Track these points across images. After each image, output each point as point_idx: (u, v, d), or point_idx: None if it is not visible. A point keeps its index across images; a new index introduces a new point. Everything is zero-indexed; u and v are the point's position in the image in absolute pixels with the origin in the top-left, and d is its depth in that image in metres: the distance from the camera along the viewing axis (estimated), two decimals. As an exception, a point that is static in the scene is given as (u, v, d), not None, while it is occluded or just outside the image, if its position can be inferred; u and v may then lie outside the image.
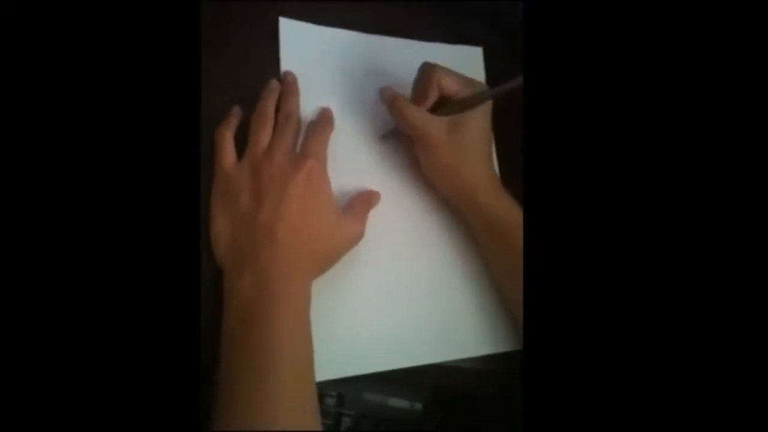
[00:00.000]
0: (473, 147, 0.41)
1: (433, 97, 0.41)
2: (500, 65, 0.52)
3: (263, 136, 0.40)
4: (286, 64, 0.45)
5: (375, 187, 0.44)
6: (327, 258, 0.38)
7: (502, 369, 0.42)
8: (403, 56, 0.49)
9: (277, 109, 0.42)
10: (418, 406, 0.43)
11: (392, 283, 0.42)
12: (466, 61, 0.52)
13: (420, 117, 0.41)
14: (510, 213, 0.40)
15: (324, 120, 0.43)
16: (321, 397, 0.40)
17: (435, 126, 0.40)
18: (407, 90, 0.46)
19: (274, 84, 0.43)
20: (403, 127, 0.42)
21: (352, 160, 0.45)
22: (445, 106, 0.41)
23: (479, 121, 0.41)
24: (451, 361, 0.41)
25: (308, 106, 0.44)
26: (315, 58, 0.47)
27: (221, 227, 0.37)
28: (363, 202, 0.42)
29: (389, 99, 0.42)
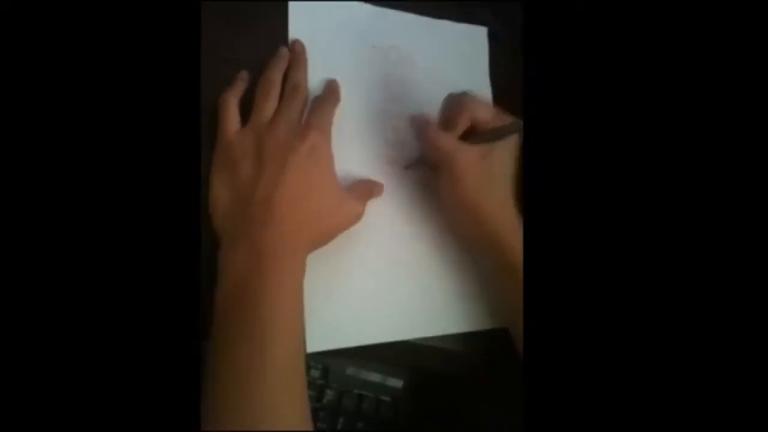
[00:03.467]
0: (501, 179, 0.39)
1: (463, 125, 0.40)
2: (503, 48, 0.52)
3: (268, 105, 0.39)
4: (294, 33, 0.44)
5: (375, 166, 0.44)
6: (324, 235, 0.38)
7: (481, 349, 0.43)
8: (411, 31, 0.50)
9: (284, 79, 0.41)
10: (399, 383, 0.43)
11: (381, 260, 0.42)
12: (470, 40, 0.52)
13: (450, 143, 0.39)
14: None
15: (330, 93, 0.43)
16: (306, 368, 0.40)
17: (465, 154, 0.39)
18: (411, 70, 0.46)
19: (284, 52, 0.42)
20: (432, 154, 0.41)
21: (356, 138, 0.44)
22: (474, 135, 0.40)
23: (509, 152, 0.39)
24: (433, 342, 0.42)
25: (314, 77, 0.44)
26: (322, 28, 0.46)
27: (219, 195, 0.37)
28: (366, 186, 0.42)
29: (419, 125, 0.41)
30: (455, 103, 0.41)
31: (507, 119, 0.40)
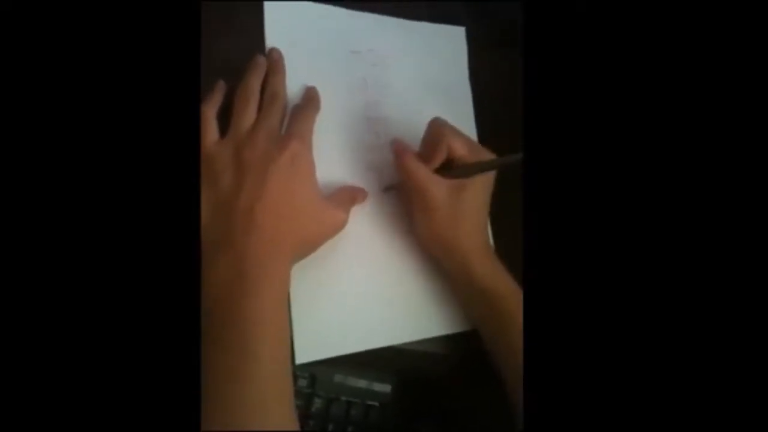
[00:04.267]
0: (471, 213, 0.41)
1: (440, 158, 0.40)
2: (482, 47, 0.53)
3: (247, 115, 0.39)
4: (271, 41, 0.44)
5: (357, 172, 0.44)
6: (307, 244, 0.38)
7: (461, 349, 0.44)
8: (389, 34, 0.49)
9: (262, 88, 0.41)
10: (387, 388, 0.44)
11: (364, 268, 0.43)
12: (448, 40, 0.52)
13: (424, 175, 0.40)
14: (502, 281, 0.40)
15: (310, 100, 0.43)
16: (294, 378, 0.40)
17: (437, 187, 0.40)
18: (390, 73, 0.46)
19: (260, 60, 0.42)
20: (406, 182, 0.41)
21: (337, 144, 0.44)
22: (450, 169, 0.40)
23: (481, 188, 0.41)
24: (418, 346, 0.43)
25: (291, 83, 0.43)
26: (300, 34, 0.45)
27: (201, 207, 0.36)
28: (349, 193, 0.42)
29: (398, 152, 0.41)
30: (434, 134, 0.41)
31: (484, 154, 0.40)
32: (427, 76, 0.50)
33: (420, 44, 0.50)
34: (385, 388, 0.44)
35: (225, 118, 0.39)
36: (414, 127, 0.47)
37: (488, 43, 0.53)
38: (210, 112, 0.39)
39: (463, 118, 0.50)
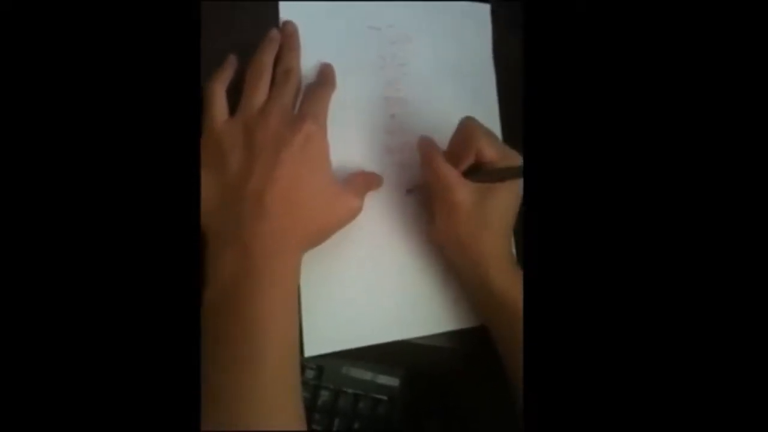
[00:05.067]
0: (496, 219, 0.38)
1: (468, 160, 0.38)
2: (507, 27, 0.50)
3: (259, 92, 0.37)
4: (285, 14, 0.41)
5: (374, 156, 0.42)
6: (319, 232, 0.36)
7: (471, 345, 0.43)
8: (410, 10, 0.47)
9: (276, 63, 0.38)
10: (396, 382, 0.42)
11: (377, 260, 0.41)
12: (472, 19, 0.49)
13: (452, 178, 0.38)
14: (521, 293, 0.37)
15: (325, 78, 0.40)
16: (301, 369, 0.39)
17: (464, 191, 0.37)
18: (410, 51, 0.44)
19: (275, 34, 0.39)
20: (433, 183, 0.39)
21: (353, 126, 0.42)
22: (478, 172, 0.38)
23: (509, 194, 0.38)
24: (427, 341, 0.42)
25: (307, 61, 0.41)
26: (315, 7, 0.43)
27: (206, 191, 0.34)
28: (364, 179, 0.40)
29: (425, 151, 0.39)
30: (464, 134, 0.39)
31: (514, 159, 0.38)
32: (449, 55, 0.47)
33: (441, 22, 0.48)
34: (393, 381, 0.42)
35: (236, 95, 0.37)
36: (434, 109, 0.45)
37: (514, 23, 0.50)
38: (219, 89, 0.37)
39: (485, 102, 0.47)
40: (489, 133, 0.38)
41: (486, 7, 0.50)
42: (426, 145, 0.39)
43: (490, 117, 0.47)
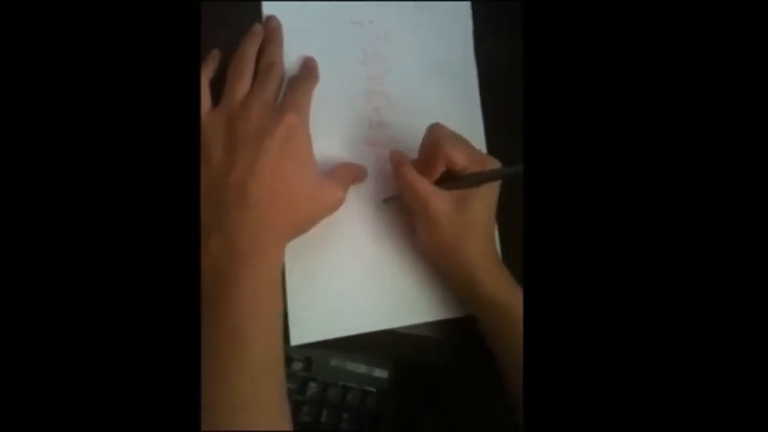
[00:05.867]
0: (477, 226, 0.38)
1: (438, 170, 0.39)
2: (488, 25, 0.50)
3: (241, 85, 0.37)
4: (268, 8, 0.42)
5: (356, 147, 0.42)
6: (302, 222, 0.36)
7: (465, 339, 0.42)
8: (392, 6, 0.47)
9: (259, 57, 0.39)
10: (385, 374, 0.42)
11: (363, 249, 0.41)
12: (453, 16, 0.50)
13: (424, 189, 0.38)
14: (509, 292, 0.38)
15: (307, 71, 0.41)
16: (289, 360, 0.39)
17: (439, 200, 0.37)
18: (392, 46, 0.44)
19: (257, 28, 0.40)
20: (407, 195, 0.39)
21: (336, 119, 0.42)
22: (451, 180, 0.38)
23: (485, 199, 0.38)
24: (416, 331, 0.42)
25: (290, 55, 0.41)
26: (298, 2, 0.43)
27: None
28: (348, 170, 0.40)
29: (395, 163, 0.39)
30: (431, 142, 0.38)
31: (485, 163, 0.38)
32: (430, 52, 0.48)
33: (424, 18, 0.48)
34: (382, 373, 0.42)
35: (219, 88, 0.38)
36: (416, 104, 0.46)
37: (495, 21, 0.51)
38: (203, 81, 0.37)
39: (466, 99, 0.48)
40: (457, 138, 0.38)
41: (467, 5, 0.51)
42: (396, 158, 0.39)
43: (471, 114, 0.48)
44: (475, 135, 0.47)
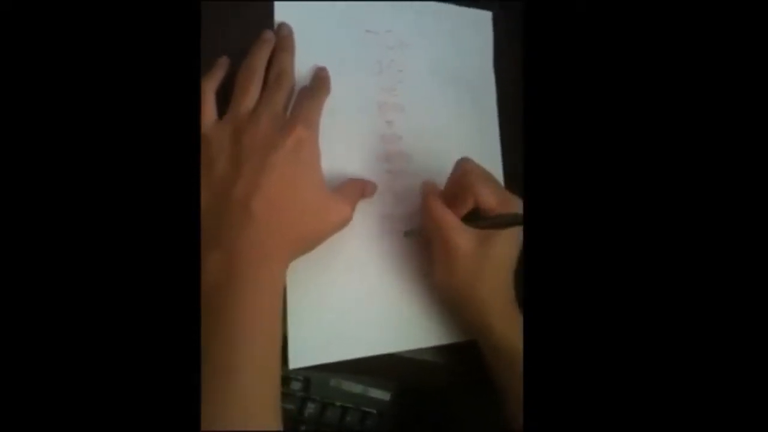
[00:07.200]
0: (497, 268, 0.37)
1: (467, 207, 0.37)
2: (508, 32, 0.49)
3: (249, 95, 0.36)
4: (280, 15, 0.41)
5: (367, 163, 0.41)
6: (307, 240, 0.35)
7: (466, 363, 0.41)
8: (409, 15, 0.46)
9: (269, 66, 0.38)
10: (386, 396, 0.41)
11: (365, 272, 0.40)
12: (473, 26, 0.48)
13: (450, 224, 0.37)
14: (519, 342, 0.36)
15: (320, 82, 0.39)
16: (287, 380, 0.38)
17: (462, 237, 0.36)
18: (409, 57, 0.43)
19: (268, 35, 0.38)
20: (430, 228, 0.38)
21: (347, 132, 0.41)
22: (478, 219, 0.37)
23: (509, 241, 0.37)
24: (418, 355, 0.40)
25: (301, 64, 0.40)
26: (311, 9, 0.42)
27: None
28: (356, 186, 0.38)
29: (426, 193, 0.38)
30: (462, 180, 0.37)
31: (514, 205, 0.37)
32: (448, 63, 0.46)
33: (442, 28, 0.47)
34: (383, 395, 0.41)
35: (226, 97, 0.36)
36: (431, 117, 0.44)
37: (516, 31, 0.49)
38: (209, 90, 0.36)
39: (484, 113, 0.46)
40: (488, 177, 0.38)
41: (488, 15, 0.49)
42: (428, 190, 0.39)
43: (489, 127, 0.46)
44: (491, 150, 0.46)
